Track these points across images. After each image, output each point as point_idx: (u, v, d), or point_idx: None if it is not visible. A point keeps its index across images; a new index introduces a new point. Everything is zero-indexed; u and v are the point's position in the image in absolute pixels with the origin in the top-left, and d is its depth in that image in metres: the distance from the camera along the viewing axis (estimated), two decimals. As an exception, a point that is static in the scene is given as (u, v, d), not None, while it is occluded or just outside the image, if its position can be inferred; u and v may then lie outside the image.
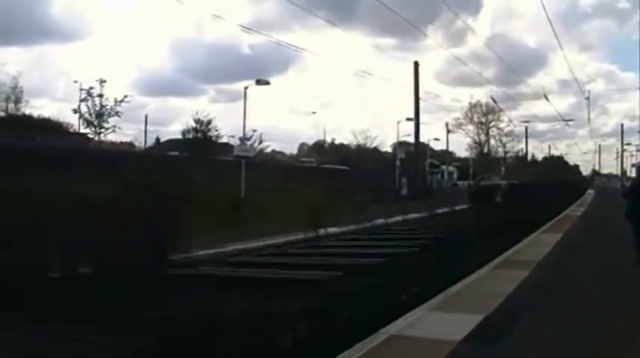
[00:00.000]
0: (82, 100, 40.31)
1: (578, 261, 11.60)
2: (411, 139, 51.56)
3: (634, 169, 30.10)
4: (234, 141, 37.33)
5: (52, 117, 45.69)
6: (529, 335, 5.99)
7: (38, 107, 49.58)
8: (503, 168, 73.05)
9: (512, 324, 6.28)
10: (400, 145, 54.79)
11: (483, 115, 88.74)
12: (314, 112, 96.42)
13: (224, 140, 42.46)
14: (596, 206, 33.18)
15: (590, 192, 60.48)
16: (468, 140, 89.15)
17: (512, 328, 6.15)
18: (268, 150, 57.01)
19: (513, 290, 8.21)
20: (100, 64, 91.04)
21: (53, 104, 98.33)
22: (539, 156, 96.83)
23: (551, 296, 8.11)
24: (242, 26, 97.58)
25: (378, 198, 35.07)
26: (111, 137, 43.28)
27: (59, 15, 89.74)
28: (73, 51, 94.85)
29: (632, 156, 79.96)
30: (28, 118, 41.43)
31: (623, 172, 77.66)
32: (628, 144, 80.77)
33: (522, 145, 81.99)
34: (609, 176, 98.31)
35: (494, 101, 60.15)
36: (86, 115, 40.28)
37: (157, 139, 58.84)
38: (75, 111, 41.28)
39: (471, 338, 5.74)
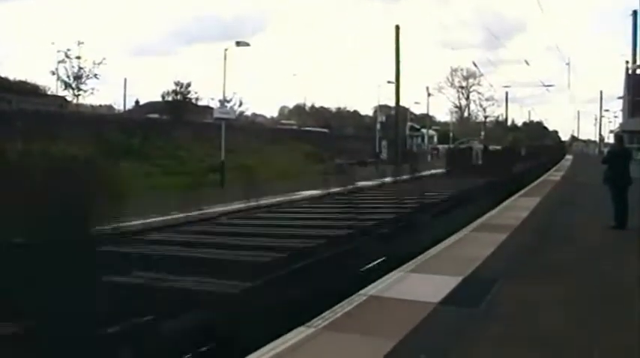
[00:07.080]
0: (59, 62, 39.36)
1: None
2: (392, 103, 51.33)
3: (612, 136, 30.38)
4: (215, 104, 36.83)
5: (28, 80, 44.62)
6: (505, 296, 6.09)
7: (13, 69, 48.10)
8: (482, 133, 73.38)
9: (489, 286, 6.37)
10: (381, 108, 54.55)
11: (464, 79, 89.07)
12: (294, 75, 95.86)
13: (204, 102, 42.00)
14: (574, 171, 33.48)
15: (569, 157, 61.13)
16: (449, 104, 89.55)
17: (489, 290, 6.23)
18: (248, 112, 56.44)
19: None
20: (77, 24, 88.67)
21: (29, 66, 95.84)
22: (519, 121, 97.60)
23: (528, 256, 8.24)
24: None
25: (359, 161, 35.26)
26: (90, 100, 42.45)
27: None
28: (49, 9, 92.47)
29: (610, 122, 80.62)
30: (4, 81, 40.40)
31: (601, 138, 78.33)
32: (607, 110, 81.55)
33: (502, 110, 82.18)
34: (587, 142, 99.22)
35: (476, 65, 60.06)
36: (64, 77, 39.41)
37: (137, 102, 57.83)
38: (52, 73, 40.36)
39: (449, 300, 5.82)
